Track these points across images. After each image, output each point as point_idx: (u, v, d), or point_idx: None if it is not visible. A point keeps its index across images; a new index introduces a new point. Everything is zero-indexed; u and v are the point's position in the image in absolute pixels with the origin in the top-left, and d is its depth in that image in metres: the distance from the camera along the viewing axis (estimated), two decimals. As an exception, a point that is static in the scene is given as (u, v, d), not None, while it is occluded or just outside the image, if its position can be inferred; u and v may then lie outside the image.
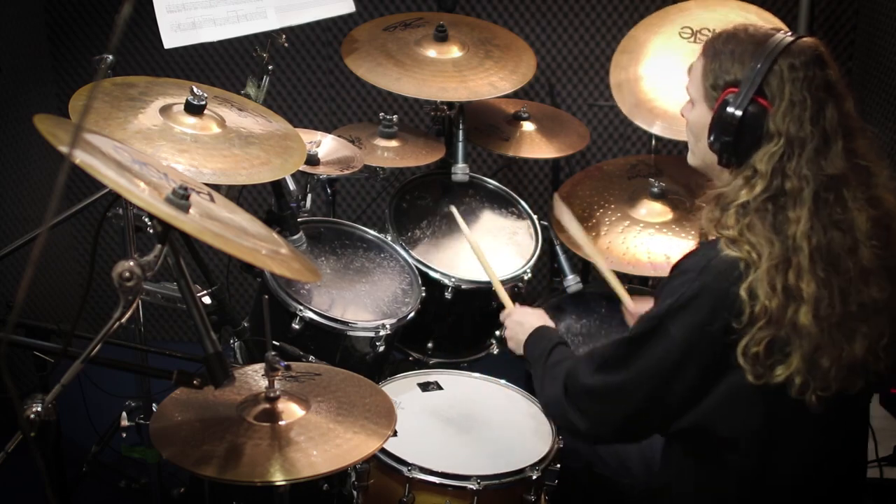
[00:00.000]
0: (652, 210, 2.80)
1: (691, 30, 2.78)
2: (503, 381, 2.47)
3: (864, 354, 1.64)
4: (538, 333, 2.08)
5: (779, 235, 1.62)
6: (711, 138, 1.72)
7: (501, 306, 2.81)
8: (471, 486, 2.06)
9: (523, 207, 2.97)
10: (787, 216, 1.62)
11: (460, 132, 2.91)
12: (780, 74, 1.64)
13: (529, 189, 3.71)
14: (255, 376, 2.02)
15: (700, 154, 1.80)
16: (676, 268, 1.72)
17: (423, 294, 2.62)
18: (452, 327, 2.80)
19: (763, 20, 2.76)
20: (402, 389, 2.39)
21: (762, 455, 1.71)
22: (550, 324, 2.13)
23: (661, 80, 2.74)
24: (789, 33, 1.70)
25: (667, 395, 1.69)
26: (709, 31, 2.75)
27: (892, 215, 1.70)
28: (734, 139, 1.68)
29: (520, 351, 2.12)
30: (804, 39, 1.69)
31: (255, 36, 2.67)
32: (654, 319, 1.68)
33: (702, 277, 1.63)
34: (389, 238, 2.75)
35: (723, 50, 1.71)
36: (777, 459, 1.71)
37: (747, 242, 1.62)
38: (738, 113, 1.66)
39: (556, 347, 1.99)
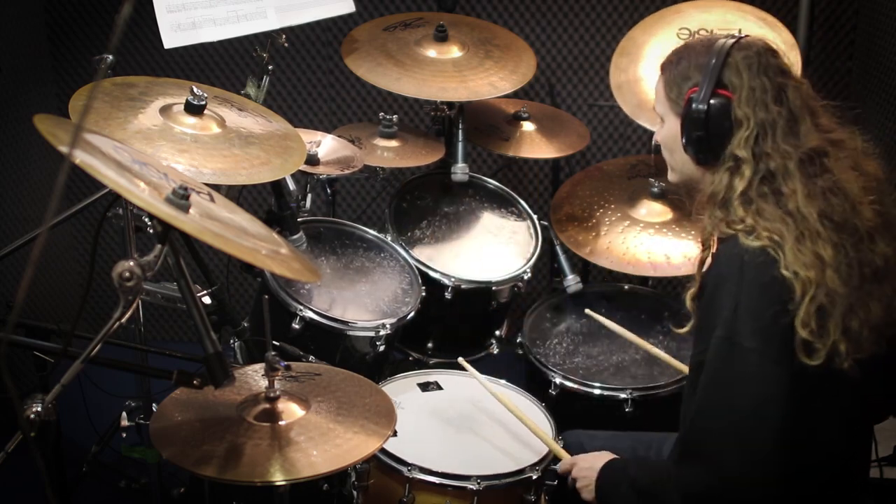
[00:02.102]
0: (652, 210, 2.80)
1: (689, 30, 2.79)
2: (503, 381, 2.47)
3: (884, 315, 1.66)
4: (609, 467, 1.93)
5: (786, 211, 1.65)
6: (684, 140, 1.77)
7: (501, 306, 2.83)
8: (471, 486, 2.06)
9: (523, 207, 2.97)
10: (783, 192, 1.66)
11: (460, 132, 2.91)
12: (736, 65, 1.72)
13: (529, 189, 3.71)
14: (255, 376, 2.01)
15: (679, 167, 1.85)
16: (709, 282, 1.70)
17: (423, 294, 2.62)
18: (452, 327, 2.80)
19: (759, 20, 2.76)
20: (402, 389, 2.39)
21: (805, 447, 1.70)
22: (616, 457, 1.97)
23: (662, 80, 2.74)
24: (733, 35, 1.78)
25: (786, 406, 1.62)
26: (706, 31, 2.76)
27: (879, 178, 1.74)
28: (705, 133, 1.73)
29: (595, 493, 1.93)
30: (749, 36, 1.77)
31: (255, 36, 2.67)
32: (722, 344, 1.63)
33: (745, 277, 1.63)
34: (389, 238, 2.75)
35: (678, 61, 1.80)
36: (819, 440, 1.70)
37: (764, 228, 1.64)
38: (703, 106, 1.72)
39: (631, 466, 1.87)
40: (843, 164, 1.70)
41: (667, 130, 1.84)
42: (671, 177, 1.90)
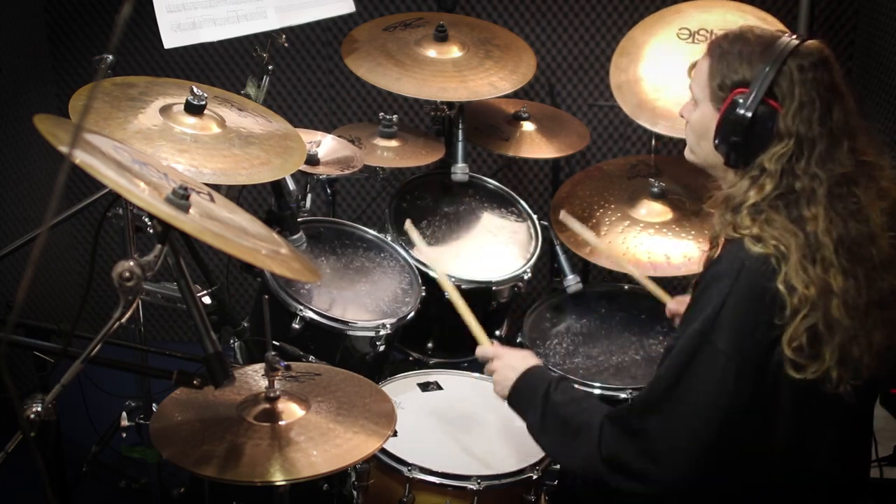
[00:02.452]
0: (652, 210, 2.80)
1: (689, 30, 2.78)
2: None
3: (885, 342, 1.65)
4: (528, 375, 1.94)
5: (800, 227, 1.63)
6: (717, 140, 1.72)
7: (501, 306, 2.82)
8: (471, 486, 2.06)
9: (523, 207, 2.97)
10: (801, 214, 1.63)
11: (460, 132, 2.91)
12: (790, 76, 1.65)
13: (529, 189, 3.71)
14: (255, 376, 2.02)
15: (702, 154, 1.80)
16: (706, 276, 1.70)
17: (423, 294, 2.62)
18: (452, 327, 2.79)
19: (760, 20, 2.76)
20: (402, 389, 2.39)
21: (795, 453, 1.70)
22: (535, 360, 1.99)
23: (662, 80, 2.74)
24: (795, 36, 1.70)
25: (734, 414, 1.62)
26: (706, 31, 2.76)
27: None
28: (743, 140, 1.68)
29: (506, 395, 1.96)
30: (811, 42, 1.69)
31: (255, 36, 2.67)
32: (695, 336, 1.64)
33: (739, 280, 1.62)
34: (389, 238, 2.75)
35: (730, 50, 1.71)
36: (811, 456, 1.71)
37: (771, 237, 1.62)
38: (749, 114, 1.66)
39: (550, 394, 1.85)
40: (870, 192, 1.67)
41: (700, 115, 1.77)
42: (688, 156, 1.85)
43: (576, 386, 1.87)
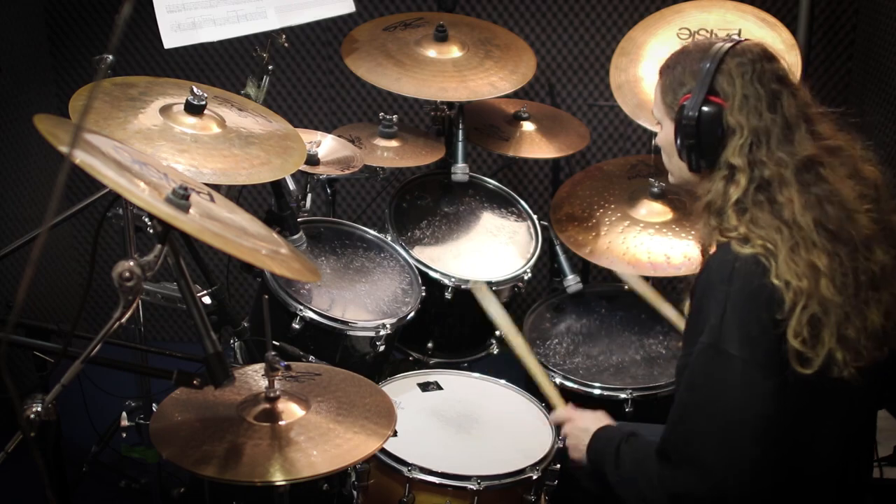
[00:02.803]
0: (652, 210, 2.80)
1: (689, 30, 2.78)
2: (503, 381, 2.47)
3: (883, 322, 1.66)
4: (603, 433, 1.95)
5: (781, 219, 1.64)
6: (678, 146, 1.77)
7: (502, 306, 2.81)
8: (471, 486, 2.06)
9: (523, 207, 2.97)
10: (778, 201, 1.65)
11: (460, 132, 2.91)
12: (729, 72, 1.71)
13: (529, 189, 3.71)
14: (255, 376, 2.02)
15: (676, 171, 1.86)
16: (698, 287, 1.70)
17: (423, 294, 2.62)
18: (452, 327, 2.80)
19: (760, 20, 2.76)
20: (402, 389, 2.39)
21: (803, 449, 1.70)
22: (608, 420, 2.01)
23: (662, 80, 2.74)
24: (733, 39, 1.77)
25: (769, 415, 1.62)
26: (706, 31, 2.76)
27: (878, 184, 1.73)
28: (696, 140, 1.73)
29: (587, 456, 1.96)
30: (748, 40, 1.76)
31: (255, 36, 2.67)
32: (706, 350, 1.64)
33: (734, 284, 1.63)
34: (389, 238, 2.75)
35: (675, 65, 1.79)
36: (816, 447, 1.71)
37: (758, 236, 1.64)
38: (695, 113, 1.71)
39: (622, 445, 1.85)
40: (839, 172, 1.69)
41: (664, 135, 1.84)
42: (670, 179, 1.91)
43: (645, 439, 1.85)
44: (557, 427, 2.10)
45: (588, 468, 1.95)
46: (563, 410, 2.13)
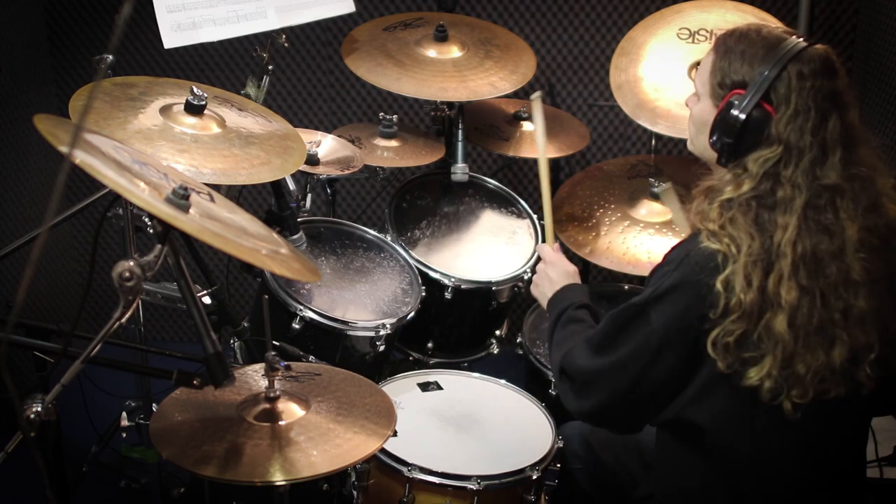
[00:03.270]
0: (652, 210, 2.80)
1: (689, 30, 2.78)
2: (503, 381, 2.47)
3: (843, 362, 1.63)
4: (561, 293, 2.09)
5: (761, 233, 1.63)
6: (713, 138, 1.73)
7: (501, 306, 2.82)
8: (471, 486, 2.06)
9: (523, 207, 2.97)
10: (774, 220, 1.63)
11: (460, 132, 2.91)
12: (788, 82, 1.64)
13: (529, 189, 3.71)
14: (255, 376, 2.02)
15: (699, 147, 1.83)
16: (664, 257, 1.75)
17: (423, 294, 2.62)
18: (452, 327, 2.80)
19: (759, 20, 2.76)
20: (402, 389, 2.39)
21: (742, 451, 1.71)
22: (578, 281, 2.14)
23: (662, 80, 2.74)
24: (802, 39, 1.69)
25: (648, 380, 1.71)
26: (706, 31, 2.76)
27: (892, 225, 1.69)
28: (735, 141, 1.69)
29: (542, 302, 2.15)
30: (816, 47, 1.68)
31: (255, 36, 2.67)
32: (636, 307, 1.72)
33: (681, 269, 1.66)
34: (389, 238, 2.75)
35: (734, 48, 1.71)
36: (758, 458, 1.71)
37: (727, 235, 1.63)
38: (742, 116, 1.66)
39: (566, 311, 2.00)
40: (854, 206, 1.64)
41: (700, 110, 1.79)
42: (689, 146, 1.88)
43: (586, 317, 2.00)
44: (537, 257, 2.25)
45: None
46: (548, 249, 2.22)
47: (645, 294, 1.71)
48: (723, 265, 1.62)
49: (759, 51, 1.68)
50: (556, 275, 2.14)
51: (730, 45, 1.72)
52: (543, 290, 2.14)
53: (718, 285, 1.61)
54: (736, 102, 1.67)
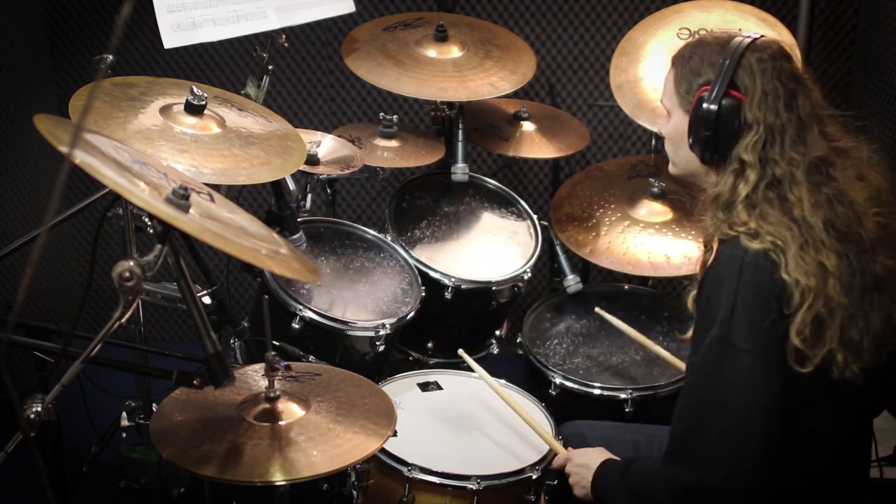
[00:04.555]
0: (652, 210, 2.80)
1: (689, 30, 2.78)
2: (503, 381, 2.47)
3: (883, 325, 1.66)
4: (604, 468, 1.91)
5: (792, 219, 1.65)
6: (691, 139, 1.76)
7: (501, 306, 2.82)
8: (471, 486, 2.06)
9: (523, 207, 2.97)
10: (788, 199, 1.66)
11: (460, 132, 2.91)
12: (750, 67, 1.70)
13: (529, 189, 3.71)
14: (255, 376, 2.02)
15: (682, 162, 1.84)
16: (707, 281, 1.70)
17: (423, 294, 2.62)
18: (452, 327, 2.80)
19: (759, 20, 2.76)
20: (402, 389, 2.39)
21: (801, 444, 1.70)
22: (612, 456, 1.95)
23: (661, 79, 2.73)
24: (749, 34, 1.76)
25: (774, 410, 1.62)
26: (707, 31, 2.75)
27: (881, 189, 1.74)
28: (713, 133, 1.72)
29: (588, 493, 1.92)
30: (765, 37, 1.75)
31: (255, 36, 2.67)
32: (716, 341, 1.63)
33: (744, 277, 1.62)
34: (389, 238, 2.75)
35: (691, 56, 1.78)
36: (811, 446, 1.71)
37: (767, 232, 1.64)
38: (714, 107, 1.71)
39: (629, 468, 1.84)
40: (848, 173, 1.70)
41: (673, 125, 1.83)
42: (672, 169, 1.89)
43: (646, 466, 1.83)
44: (560, 472, 2.05)
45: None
46: (563, 453, 2.07)
47: (716, 324, 1.62)
48: (779, 259, 1.62)
49: (714, 49, 1.75)
50: (585, 459, 1.97)
51: (686, 54, 1.80)
52: (584, 479, 1.93)
53: (787, 277, 1.60)
54: (705, 96, 1.72)
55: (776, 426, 1.63)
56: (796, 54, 1.77)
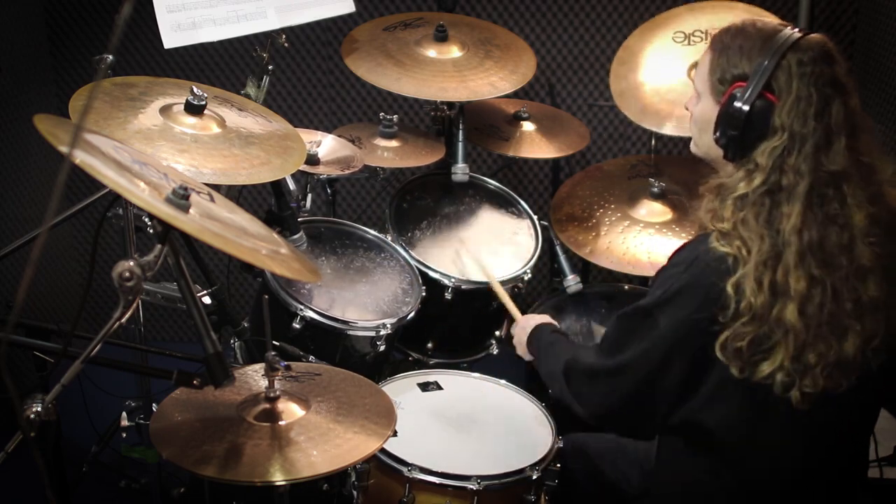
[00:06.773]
0: (652, 210, 2.80)
1: (684, 34, 2.79)
2: (503, 381, 2.47)
3: (855, 353, 1.63)
4: (539, 329, 2.16)
5: (770, 230, 1.62)
6: (718, 133, 1.73)
7: (501, 307, 2.82)
8: (471, 486, 2.06)
9: (523, 207, 2.97)
10: (780, 211, 1.63)
11: (460, 132, 2.91)
12: (788, 69, 1.64)
13: (529, 189, 3.71)
14: (255, 376, 2.02)
15: (704, 147, 1.81)
16: (671, 259, 1.75)
17: (423, 294, 2.62)
18: (452, 327, 2.80)
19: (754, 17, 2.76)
20: (402, 389, 2.39)
21: (749, 452, 1.72)
22: (551, 321, 2.20)
23: (663, 83, 2.74)
24: (797, 29, 1.70)
25: (657, 384, 1.72)
26: (701, 32, 2.76)
27: (893, 213, 1.69)
28: (740, 134, 1.68)
29: (525, 353, 2.20)
30: (812, 35, 1.69)
31: (255, 36, 2.67)
32: (644, 309, 1.71)
33: (690, 271, 1.66)
34: (390, 238, 2.75)
35: (731, 44, 1.71)
36: (764, 457, 1.72)
37: (738, 238, 1.63)
38: (746, 108, 1.66)
39: (553, 333, 2.10)
40: (860, 193, 1.64)
41: (701, 109, 1.79)
42: (693, 149, 1.86)
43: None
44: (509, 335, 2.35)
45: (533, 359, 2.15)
46: (519, 319, 2.31)
47: (653, 297, 1.70)
48: (733, 268, 1.61)
49: (756, 43, 1.68)
50: (526, 323, 2.23)
51: (726, 41, 1.73)
52: (521, 339, 2.22)
53: (729, 288, 1.60)
54: (738, 94, 1.67)
55: (663, 399, 1.73)
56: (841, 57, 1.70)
